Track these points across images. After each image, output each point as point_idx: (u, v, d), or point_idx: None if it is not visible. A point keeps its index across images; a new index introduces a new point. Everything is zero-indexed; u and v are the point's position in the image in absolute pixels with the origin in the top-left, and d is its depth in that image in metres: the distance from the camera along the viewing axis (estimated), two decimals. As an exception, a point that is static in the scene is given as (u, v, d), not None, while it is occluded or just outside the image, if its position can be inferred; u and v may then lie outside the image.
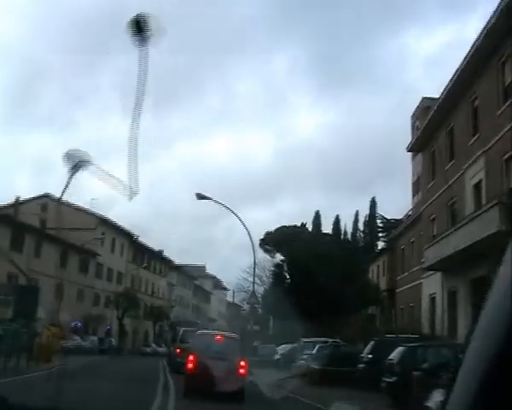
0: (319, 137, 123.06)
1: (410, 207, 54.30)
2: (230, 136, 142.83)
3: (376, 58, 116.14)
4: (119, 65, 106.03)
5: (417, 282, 35.89)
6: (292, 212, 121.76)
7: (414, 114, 55.32)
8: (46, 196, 64.16)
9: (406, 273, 40.76)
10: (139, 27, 2.22)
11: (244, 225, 29.22)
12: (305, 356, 27.17)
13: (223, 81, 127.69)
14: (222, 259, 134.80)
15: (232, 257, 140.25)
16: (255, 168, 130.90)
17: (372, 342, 19.70)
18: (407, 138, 42.83)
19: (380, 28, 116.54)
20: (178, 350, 25.53)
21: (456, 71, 26.56)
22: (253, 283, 31.02)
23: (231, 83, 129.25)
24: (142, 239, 75.06)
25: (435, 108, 30.22)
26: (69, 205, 58.97)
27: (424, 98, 51.87)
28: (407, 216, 51.89)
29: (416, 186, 53.59)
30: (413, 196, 54.82)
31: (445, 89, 28.33)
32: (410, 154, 57.24)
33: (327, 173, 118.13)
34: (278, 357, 35.05)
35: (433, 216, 31.89)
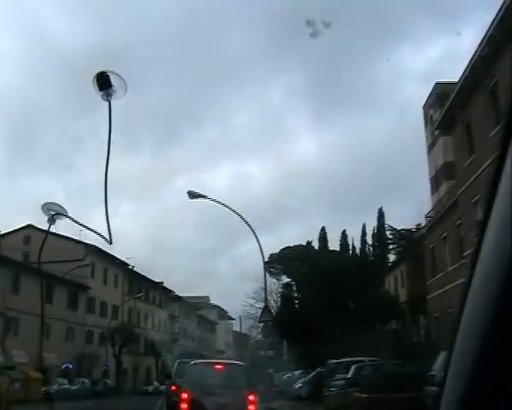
0: (319, 160, 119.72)
1: (430, 207, 50.02)
2: (230, 167, 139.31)
3: (371, 78, 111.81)
4: (116, 104, 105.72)
5: (458, 282, 30.13)
6: (295, 236, 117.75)
7: (426, 103, 50.70)
8: (29, 226, 58.73)
9: (440, 275, 35.01)
10: (102, 84, 2.55)
11: (248, 223, 23.83)
12: (338, 382, 21.33)
13: (220, 113, 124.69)
14: (225, 290, 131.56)
15: (236, 288, 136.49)
16: (256, 197, 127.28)
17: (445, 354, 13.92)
18: (408, 151, 37.94)
19: (373, 48, 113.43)
20: (174, 387, 19.90)
21: (497, 13, 21.43)
22: (265, 294, 25.30)
23: (229, 114, 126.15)
24: (139, 270, 69.54)
25: (469, 66, 24.92)
26: (55, 235, 53.55)
27: (438, 84, 47.24)
28: (420, 223, 47.34)
29: (436, 181, 48.66)
30: (432, 192, 50.00)
31: (482, 40, 23.13)
32: (423, 152, 52.76)
33: (329, 195, 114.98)
34: (300, 385, 29.14)
35: (476, 198, 26.29)
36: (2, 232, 57.58)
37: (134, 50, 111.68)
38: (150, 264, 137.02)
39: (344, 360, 24.03)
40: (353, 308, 50.61)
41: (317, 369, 28.91)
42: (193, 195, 24.57)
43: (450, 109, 28.65)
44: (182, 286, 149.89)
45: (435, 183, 49.35)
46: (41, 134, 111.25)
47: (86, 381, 45.71)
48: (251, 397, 13.41)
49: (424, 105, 52.32)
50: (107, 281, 62.47)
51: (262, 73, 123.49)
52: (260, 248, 24.27)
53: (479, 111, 25.32)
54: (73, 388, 40.02)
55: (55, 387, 37.69)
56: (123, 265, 65.70)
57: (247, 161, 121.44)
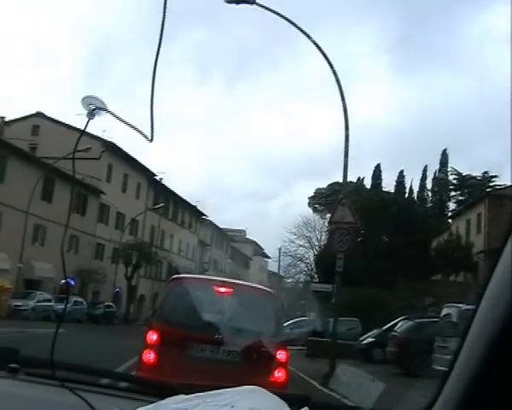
0: (390, 115, 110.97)
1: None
2: (295, 110, 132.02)
3: (456, 37, 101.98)
4: (191, 39, 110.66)
5: None
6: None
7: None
8: (39, 114, 49.54)
9: None
10: None
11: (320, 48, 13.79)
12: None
13: (296, 55, 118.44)
14: (264, 229, 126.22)
15: (276, 229, 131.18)
16: (317, 143, 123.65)
17: None
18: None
19: (462, 6, 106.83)
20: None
21: None
22: (346, 156, 14.84)
23: (305, 56, 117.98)
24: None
25: None
26: (67, 126, 44.18)
27: None
28: (487, 171, 37.30)
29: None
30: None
31: None
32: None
33: (395, 150, 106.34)
34: (371, 340, 18.88)
35: None
36: (8, 119, 48.77)
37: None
38: (192, 192, 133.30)
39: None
40: (409, 254, 43.86)
41: (403, 318, 18.38)
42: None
43: None
44: (219, 219, 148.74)
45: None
46: (113, 64, 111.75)
47: (80, 300, 36.42)
48: (280, 354, 6.58)
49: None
50: (126, 189, 52.83)
51: (346, 19, 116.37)
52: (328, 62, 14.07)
53: None
54: (60, 307, 30.51)
55: (32, 303, 28.64)
56: (148, 174, 56.09)
57: (314, 106, 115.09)
